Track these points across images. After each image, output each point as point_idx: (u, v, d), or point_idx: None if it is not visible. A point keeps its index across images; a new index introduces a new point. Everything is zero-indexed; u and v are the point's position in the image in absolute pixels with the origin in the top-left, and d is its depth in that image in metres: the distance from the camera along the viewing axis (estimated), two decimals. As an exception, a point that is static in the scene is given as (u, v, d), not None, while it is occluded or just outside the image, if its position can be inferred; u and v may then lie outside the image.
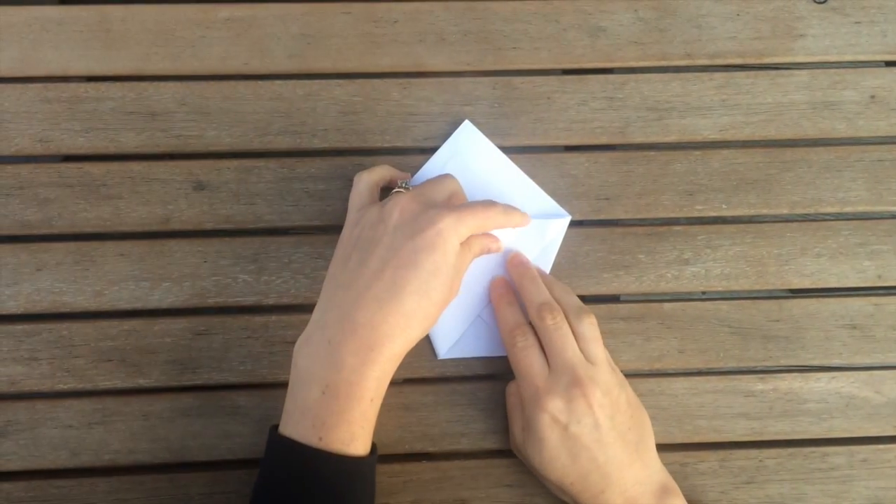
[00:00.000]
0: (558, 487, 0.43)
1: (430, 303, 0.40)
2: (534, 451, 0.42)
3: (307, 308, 0.47)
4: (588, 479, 0.41)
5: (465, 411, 0.47)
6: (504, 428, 0.47)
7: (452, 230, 0.40)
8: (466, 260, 0.43)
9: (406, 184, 0.43)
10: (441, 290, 0.40)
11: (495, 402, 0.48)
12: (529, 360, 0.43)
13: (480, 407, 0.48)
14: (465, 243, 0.42)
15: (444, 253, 0.40)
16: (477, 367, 0.48)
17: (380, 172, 0.45)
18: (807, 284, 0.49)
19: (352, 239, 0.42)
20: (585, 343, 0.43)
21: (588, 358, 0.42)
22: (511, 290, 0.46)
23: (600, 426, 0.41)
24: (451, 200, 0.43)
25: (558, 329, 0.43)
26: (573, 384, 0.41)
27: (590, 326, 0.43)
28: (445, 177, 0.44)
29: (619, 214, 0.49)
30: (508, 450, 0.47)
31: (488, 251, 0.45)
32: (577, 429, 0.41)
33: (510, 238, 0.47)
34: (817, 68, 0.50)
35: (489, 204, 0.43)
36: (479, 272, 0.47)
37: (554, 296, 0.45)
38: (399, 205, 0.41)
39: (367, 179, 0.44)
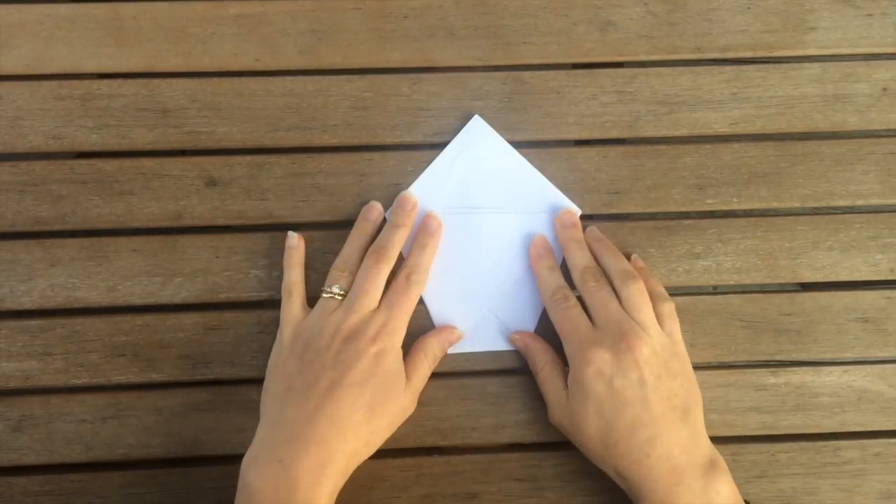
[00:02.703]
0: (601, 450, 0.42)
1: (376, 418, 0.42)
2: (578, 407, 0.42)
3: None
4: (632, 440, 0.40)
5: (476, 406, 0.48)
6: (514, 422, 0.47)
7: (388, 343, 0.42)
8: (421, 367, 0.45)
9: (333, 289, 0.44)
10: (390, 406, 0.42)
11: (505, 396, 0.48)
12: (573, 318, 0.43)
13: (491, 401, 0.48)
14: (419, 350, 0.45)
15: (388, 365, 0.42)
16: (487, 362, 0.48)
17: (297, 283, 0.46)
18: (818, 278, 0.49)
19: (294, 358, 0.43)
20: (630, 308, 0.43)
21: (634, 320, 0.42)
22: (551, 252, 0.47)
23: (645, 383, 0.41)
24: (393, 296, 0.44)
25: (600, 290, 0.43)
26: (619, 338, 0.41)
27: (635, 292, 0.43)
28: (370, 271, 0.44)
29: (630, 209, 0.49)
30: (519, 444, 0.47)
31: (450, 345, 0.47)
32: (621, 383, 0.41)
33: (519, 233, 0.47)
34: (829, 61, 0.50)
35: (408, 294, 0.44)
36: (487, 268, 0.47)
37: (604, 262, 0.45)
38: (340, 328, 0.42)
39: (297, 294, 0.45)
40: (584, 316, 0.43)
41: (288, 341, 0.44)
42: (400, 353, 0.44)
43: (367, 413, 0.41)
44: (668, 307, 0.44)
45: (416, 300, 0.45)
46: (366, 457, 0.43)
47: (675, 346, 0.43)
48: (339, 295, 0.44)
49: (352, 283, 0.45)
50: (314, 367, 0.42)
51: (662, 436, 0.40)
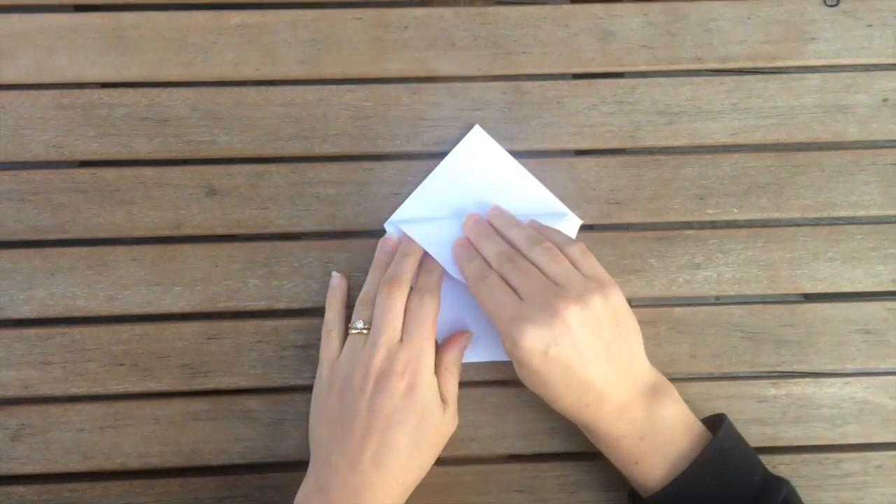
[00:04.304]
0: (550, 403, 0.43)
1: (421, 452, 0.42)
2: (527, 382, 0.42)
3: (318, 312, 0.47)
4: (573, 395, 0.41)
5: (475, 416, 0.47)
6: (514, 433, 0.47)
7: (418, 376, 0.42)
8: (450, 385, 0.45)
9: (357, 325, 0.44)
10: (434, 437, 0.43)
11: (505, 406, 0.48)
12: (496, 295, 0.42)
13: (490, 412, 0.47)
14: (442, 368, 0.44)
15: (422, 398, 0.42)
16: (487, 373, 0.48)
17: (337, 322, 0.46)
18: (820, 289, 0.49)
19: (332, 398, 0.43)
20: (545, 269, 0.42)
21: (554, 280, 0.42)
22: (469, 246, 0.46)
23: (579, 344, 0.40)
24: (417, 322, 0.44)
25: (516, 267, 0.43)
26: (545, 306, 0.40)
27: (543, 253, 0.43)
28: (385, 301, 0.44)
29: (630, 219, 0.49)
30: (520, 455, 0.47)
31: (465, 349, 0.46)
32: (556, 351, 0.40)
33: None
34: (829, 72, 0.50)
35: (424, 315, 0.44)
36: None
37: (509, 237, 0.45)
38: (369, 368, 0.42)
39: (335, 333, 0.46)
40: (507, 290, 0.42)
41: (326, 381, 0.44)
42: (433, 381, 0.43)
43: (412, 451, 0.42)
44: (575, 248, 0.44)
45: (435, 320, 0.44)
46: (414, 487, 0.43)
47: (599, 284, 0.42)
48: (365, 330, 0.44)
49: None
50: (350, 412, 0.42)
51: (603, 386, 0.41)
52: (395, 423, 0.41)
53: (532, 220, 0.47)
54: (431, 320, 0.44)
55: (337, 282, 0.47)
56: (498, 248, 0.44)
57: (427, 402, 0.42)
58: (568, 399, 0.41)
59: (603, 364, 0.41)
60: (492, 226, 0.46)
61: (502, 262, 0.43)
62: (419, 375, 0.42)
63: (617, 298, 0.42)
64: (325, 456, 0.42)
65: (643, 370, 0.43)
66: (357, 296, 0.46)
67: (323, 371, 0.45)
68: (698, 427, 0.42)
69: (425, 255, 0.46)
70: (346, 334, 0.45)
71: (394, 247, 0.47)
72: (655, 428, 0.41)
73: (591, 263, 0.43)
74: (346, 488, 0.41)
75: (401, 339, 0.43)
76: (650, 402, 0.42)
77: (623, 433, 0.41)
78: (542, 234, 0.45)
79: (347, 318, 0.46)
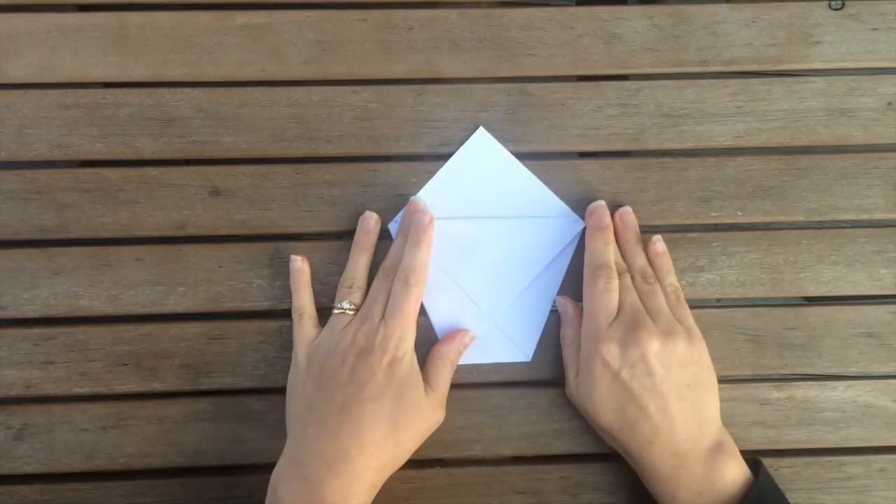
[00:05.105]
0: (608, 433, 0.44)
1: (399, 430, 0.42)
2: (586, 392, 0.43)
3: (321, 313, 0.47)
4: (636, 428, 0.42)
5: (478, 418, 0.47)
6: (517, 435, 0.47)
7: (398, 351, 0.42)
8: (440, 375, 0.45)
9: (343, 304, 0.45)
10: (412, 416, 0.43)
11: (508, 408, 0.47)
12: (606, 302, 0.44)
13: (493, 413, 0.47)
14: (436, 358, 0.45)
15: (402, 374, 0.42)
16: (490, 374, 0.48)
17: (307, 305, 0.46)
18: (823, 292, 0.49)
19: (311, 379, 0.43)
20: (644, 302, 0.44)
21: (649, 313, 0.44)
22: (610, 226, 0.46)
23: (654, 374, 0.41)
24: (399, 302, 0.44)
25: (625, 282, 0.45)
26: (630, 331, 0.42)
27: (649, 293, 0.45)
28: (379, 284, 0.45)
29: (634, 221, 0.49)
30: (523, 456, 0.47)
31: (465, 348, 0.47)
32: (627, 375, 0.42)
33: (523, 245, 0.47)
34: (834, 75, 0.50)
35: (409, 297, 0.44)
36: (491, 280, 0.47)
37: (625, 251, 0.47)
38: (353, 342, 0.43)
39: (307, 316, 0.46)
40: (615, 305, 0.44)
41: (304, 363, 0.44)
42: (413, 358, 0.44)
43: (389, 427, 0.42)
44: (676, 294, 0.45)
45: (419, 302, 0.45)
46: (394, 470, 0.43)
47: (688, 334, 0.44)
48: (350, 310, 0.45)
49: (362, 297, 0.45)
50: (332, 385, 0.42)
51: (667, 424, 0.41)
52: (375, 395, 0.42)
53: (658, 239, 0.47)
54: (414, 303, 0.44)
55: (300, 265, 0.47)
56: (617, 257, 0.46)
57: (406, 377, 0.43)
58: (631, 430, 0.42)
59: (673, 402, 0.42)
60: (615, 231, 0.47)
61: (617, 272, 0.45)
62: (399, 351, 0.43)
63: (701, 351, 0.44)
64: (301, 430, 0.42)
65: (713, 427, 0.43)
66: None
67: (299, 353, 0.45)
68: (751, 482, 0.42)
69: (413, 227, 0.46)
70: (317, 316, 0.46)
71: (376, 225, 0.47)
72: (715, 486, 0.41)
73: (684, 313, 0.45)
74: (321, 459, 0.41)
75: (382, 318, 0.44)
76: (713, 458, 0.42)
77: (681, 484, 0.41)
78: (657, 266, 0.46)
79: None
